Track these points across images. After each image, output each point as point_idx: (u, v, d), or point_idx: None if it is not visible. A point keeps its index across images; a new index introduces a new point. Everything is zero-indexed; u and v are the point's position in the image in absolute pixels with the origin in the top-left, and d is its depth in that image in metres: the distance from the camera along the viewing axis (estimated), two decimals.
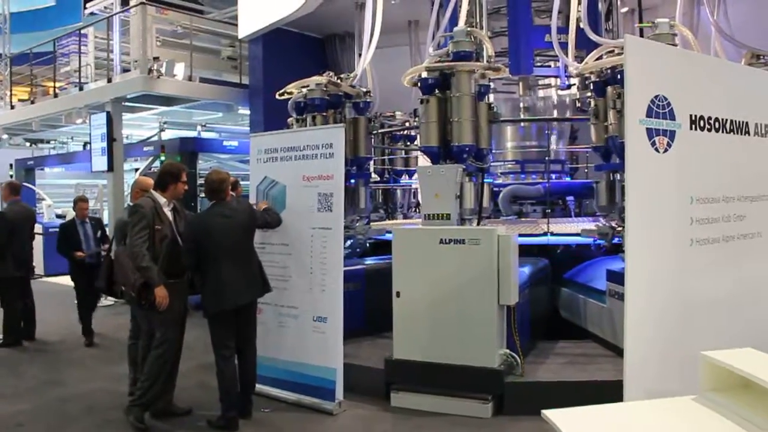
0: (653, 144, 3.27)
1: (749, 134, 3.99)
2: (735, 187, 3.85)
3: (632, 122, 3.18)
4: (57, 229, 8.77)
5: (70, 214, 9.28)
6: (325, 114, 7.30)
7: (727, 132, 3.80)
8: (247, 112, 12.45)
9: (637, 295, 3.19)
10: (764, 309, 3.92)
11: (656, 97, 3.30)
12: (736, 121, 3.87)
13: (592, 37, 6.74)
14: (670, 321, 3.32)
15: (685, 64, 3.64)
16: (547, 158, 8.39)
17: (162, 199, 5.16)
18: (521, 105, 8.77)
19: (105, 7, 16.14)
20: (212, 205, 5.27)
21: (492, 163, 8.69)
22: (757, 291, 3.92)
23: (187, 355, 5.73)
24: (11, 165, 17.56)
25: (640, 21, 9.55)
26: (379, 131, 8.89)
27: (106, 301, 10.07)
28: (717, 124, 3.71)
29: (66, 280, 9.34)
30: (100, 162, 12.34)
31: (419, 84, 6.17)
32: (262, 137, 6.44)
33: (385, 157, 10.06)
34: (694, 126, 3.54)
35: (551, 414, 2.45)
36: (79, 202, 8.51)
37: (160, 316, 5.02)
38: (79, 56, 14.03)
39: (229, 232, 5.14)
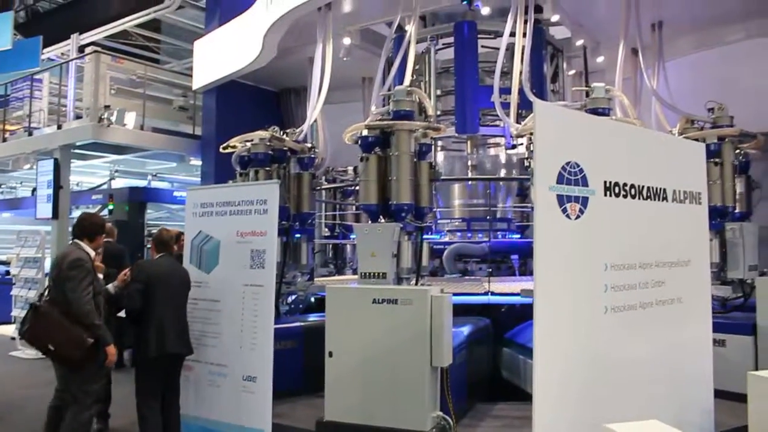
0: (564, 210, 3.29)
1: (667, 200, 4.05)
2: (653, 253, 3.88)
3: (542, 189, 3.20)
4: None
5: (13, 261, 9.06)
6: (268, 169, 7.28)
7: (644, 198, 3.85)
8: (200, 163, 12.38)
9: (546, 363, 3.15)
10: (679, 377, 3.92)
11: (567, 163, 3.33)
12: (653, 188, 3.93)
13: (531, 98, 6.90)
14: (579, 389, 3.28)
15: (599, 131, 3.70)
16: (489, 217, 8.44)
17: (92, 252, 5.04)
18: (469, 163, 8.87)
19: (62, 53, 16.14)
20: (160, 256, 5.47)
21: (439, 220, 8.76)
22: (674, 359, 3.92)
23: None
24: None
25: (587, 83, 9.89)
26: (330, 186, 8.89)
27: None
28: (633, 191, 3.76)
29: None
30: (44, 209, 12.09)
31: (359, 142, 6.19)
32: (198, 191, 6.38)
33: (336, 213, 10.05)
34: (608, 192, 3.58)
35: None
36: None
37: (94, 376, 4.87)
38: (31, 101, 13.90)
39: (174, 283, 5.32)
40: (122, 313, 5.59)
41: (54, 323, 4.82)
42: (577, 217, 3.35)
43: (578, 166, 3.37)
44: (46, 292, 5.06)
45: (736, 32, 9.04)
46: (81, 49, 14.94)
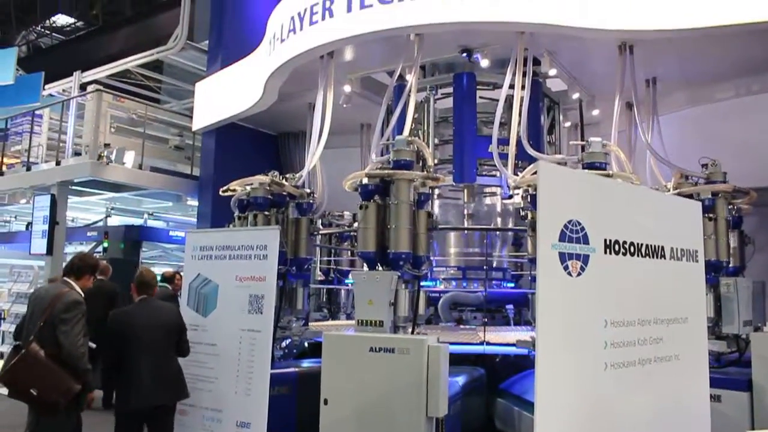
0: (566, 268, 3.33)
1: (665, 258, 4.10)
2: (651, 310, 3.91)
3: (545, 247, 3.24)
4: None
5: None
6: (267, 213, 7.32)
7: (642, 256, 3.90)
8: (197, 203, 12.43)
9: (547, 418, 3.16)
10: None
11: (569, 221, 3.38)
12: (651, 246, 3.98)
13: (530, 151, 7.03)
14: None
15: (599, 190, 3.76)
16: (485, 267, 8.48)
17: (80, 291, 4.94)
18: (465, 212, 8.94)
19: (63, 90, 16.30)
20: (139, 300, 5.28)
21: (435, 268, 8.78)
22: (672, 414, 3.93)
23: None
24: None
25: (582, 136, 10.06)
26: (327, 231, 8.93)
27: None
28: (632, 248, 3.81)
29: None
30: (39, 245, 12.07)
31: (359, 190, 6.26)
32: (198, 234, 6.44)
33: (332, 258, 10.07)
34: (608, 250, 3.63)
35: None
36: None
37: (66, 421, 4.68)
38: (30, 136, 13.98)
39: (152, 330, 5.11)
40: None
41: (41, 367, 4.50)
42: (578, 274, 3.39)
43: (580, 224, 3.43)
44: (31, 331, 4.68)
45: (726, 90, 9.27)
46: (83, 86, 15.10)
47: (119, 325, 5.11)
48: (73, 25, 32.80)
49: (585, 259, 3.45)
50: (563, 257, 3.34)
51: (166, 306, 5.53)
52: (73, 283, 4.87)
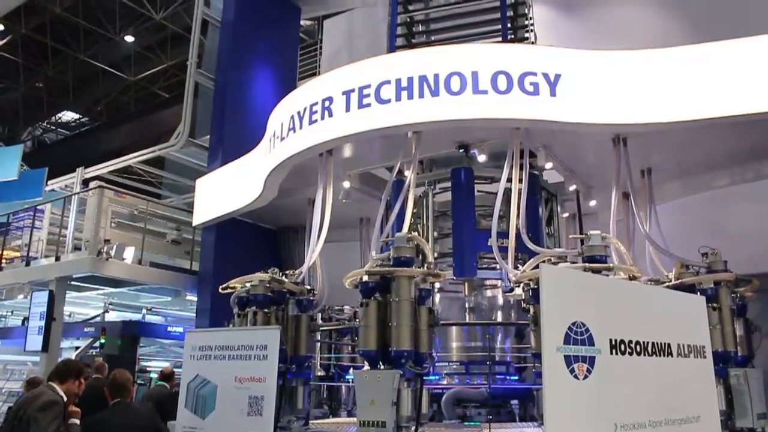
0: (572, 371, 3.27)
1: (672, 356, 4.04)
2: (662, 411, 3.82)
3: (550, 350, 3.20)
4: None
5: None
6: (267, 311, 7.25)
7: (649, 355, 3.84)
8: (195, 298, 12.35)
9: None
10: None
11: (574, 323, 3.35)
12: (658, 344, 3.92)
13: (530, 245, 7.02)
14: None
15: (602, 289, 3.75)
16: (489, 362, 8.33)
17: (64, 396, 4.90)
18: (467, 305, 8.86)
19: (66, 185, 16.52)
20: (113, 404, 5.20)
21: (437, 363, 8.61)
22: None
23: None
24: None
25: (580, 226, 10.12)
26: (327, 327, 8.82)
27: None
28: (638, 347, 3.75)
29: None
30: (35, 341, 11.91)
31: (359, 287, 6.23)
32: (197, 334, 6.36)
33: (332, 354, 9.89)
34: (614, 350, 3.57)
35: None
36: None
37: None
38: (31, 231, 14.04)
39: None
40: None
41: None
42: (585, 377, 3.33)
43: (584, 325, 3.39)
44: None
45: (722, 178, 9.36)
46: (85, 182, 15.31)
47: None
48: (78, 121, 33.68)
49: (591, 361, 3.39)
50: (569, 360, 3.29)
51: (142, 409, 5.41)
52: (57, 387, 4.92)
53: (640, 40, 10.51)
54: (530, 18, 10.57)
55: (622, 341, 3.64)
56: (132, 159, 15.32)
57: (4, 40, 26.09)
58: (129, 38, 26.09)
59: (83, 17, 24.63)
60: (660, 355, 3.94)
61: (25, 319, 14.98)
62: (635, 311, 3.89)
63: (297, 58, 15.83)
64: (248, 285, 7.40)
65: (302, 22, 16.16)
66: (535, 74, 7.34)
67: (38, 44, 26.42)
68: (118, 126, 28.26)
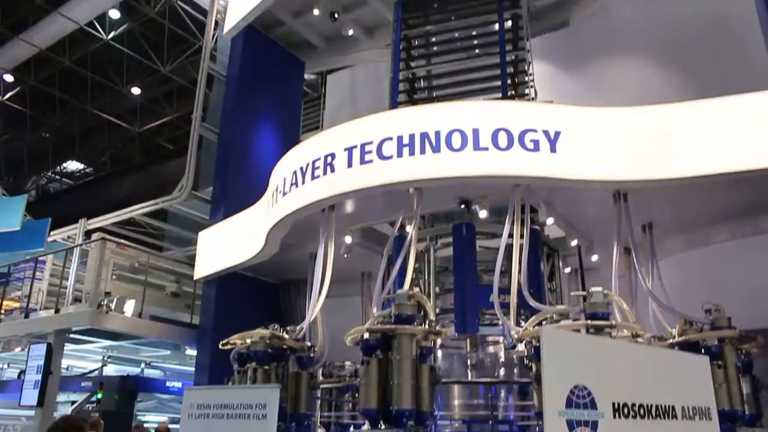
0: None
1: (677, 418, 3.98)
2: None
3: (551, 414, 3.16)
4: None
5: None
6: (267, 367, 7.19)
7: (653, 418, 3.78)
8: (195, 352, 12.23)
9: None
10: None
11: (576, 387, 3.32)
12: (661, 406, 3.87)
13: (532, 303, 6.98)
14: None
15: (604, 352, 3.72)
16: (491, 421, 8.18)
17: None
18: (468, 362, 8.75)
19: (68, 236, 16.54)
20: None
21: (439, 422, 8.47)
22: None
23: None
24: None
25: (582, 281, 10.07)
26: (328, 384, 8.71)
27: None
28: (642, 411, 3.70)
29: None
30: (30, 396, 11.70)
31: (360, 345, 6.19)
32: (195, 391, 6.28)
33: (332, 413, 9.74)
34: (617, 414, 3.53)
35: None
36: None
37: None
38: (32, 282, 13.98)
39: None
40: None
41: None
42: None
43: (586, 389, 3.36)
44: None
45: (722, 233, 9.38)
46: (87, 233, 15.34)
47: None
48: (82, 171, 33.98)
49: (594, 425, 3.35)
50: (571, 425, 3.25)
51: None
52: None
53: (639, 96, 10.71)
54: (530, 74, 10.74)
55: (625, 404, 3.59)
56: (135, 211, 15.39)
57: (14, 91, 26.55)
58: (135, 90, 26.53)
59: (91, 69, 25.11)
60: (664, 418, 3.88)
61: (22, 372, 14.83)
62: (638, 373, 3.86)
63: (300, 111, 16.06)
64: (248, 341, 7.35)
65: (306, 76, 16.42)
66: (535, 131, 7.41)
67: (46, 95, 26.85)
68: (123, 177, 28.48)
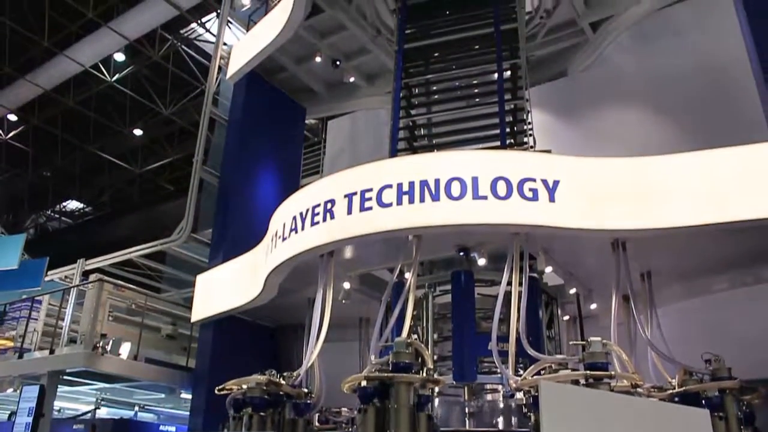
0: None
1: None
2: None
3: None
4: None
5: None
6: (263, 413, 7.11)
7: None
8: (190, 396, 12.08)
9: None
10: None
11: None
12: None
13: (531, 352, 6.94)
14: None
15: (603, 407, 3.70)
16: None
17: None
18: (467, 410, 8.66)
19: (66, 276, 16.46)
20: None
21: None
22: None
23: None
24: None
25: (581, 329, 10.03)
26: (323, 429, 8.59)
27: None
28: None
29: None
30: None
31: (358, 392, 6.14)
32: None
33: None
34: None
35: None
36: None
37: None
38: (27, 322, 13.86)
39: None
40: None
41: None
42: None
43: None
44: None
45: (721, 282, 9.37)
46: (85, 273, 15.28)
47: None
48: (82, 210, 34.08)
49: None
50: None
51: None
52: None
53: (637, 145, 10.85)
54: (529, 123, 10.87)
55: None
56: (133, 253, 15.36)
57: (17, 130, 26.79)
58: (137, 131, 26.77)
59: (95, 110, 25.38)
60: None
61: (13, 414, 14.60)
62: (637, 427, 3.83)
63: (301, 156, 16.20)
64: (245, 387, 7.28)
65: (307, 120, 16.60)
66: (534, 180, 7.48)
67: (48, 135, 27.10)
68: (122, 217, 28.55)
